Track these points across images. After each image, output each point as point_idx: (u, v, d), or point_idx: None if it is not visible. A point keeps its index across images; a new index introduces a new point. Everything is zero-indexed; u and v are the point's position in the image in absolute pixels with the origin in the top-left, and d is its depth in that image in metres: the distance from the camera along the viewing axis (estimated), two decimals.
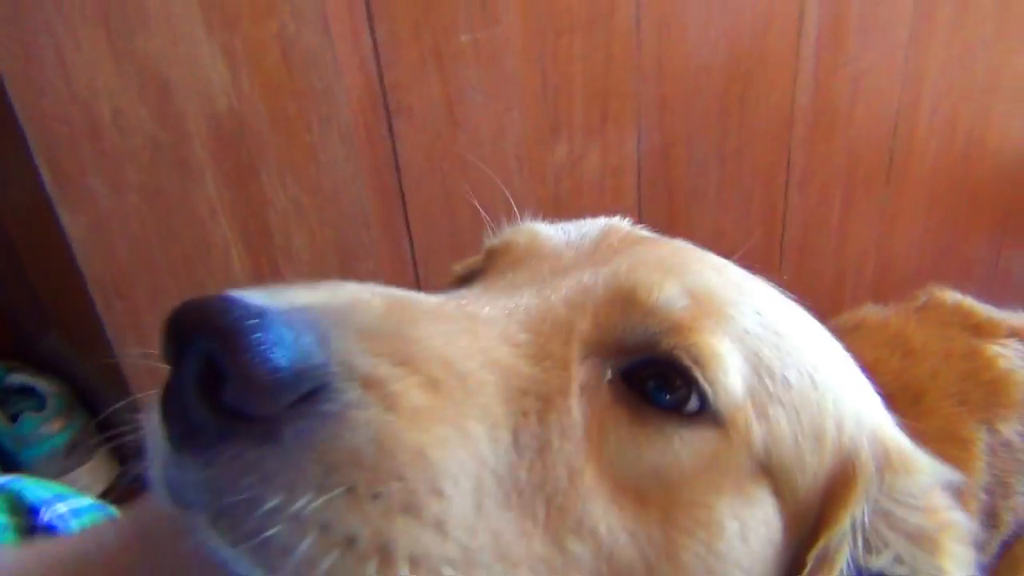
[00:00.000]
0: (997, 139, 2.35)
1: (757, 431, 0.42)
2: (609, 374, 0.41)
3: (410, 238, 0.99)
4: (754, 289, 0.48)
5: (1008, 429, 1.02)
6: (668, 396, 0.40)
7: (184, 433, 0.32)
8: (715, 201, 1.42)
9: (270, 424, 0.31)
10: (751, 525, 0.42)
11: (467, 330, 0.38)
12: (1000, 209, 2.58)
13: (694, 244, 0.59)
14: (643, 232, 0.55)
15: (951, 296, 1.19)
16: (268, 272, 0.83)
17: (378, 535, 0.32)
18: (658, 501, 0.39)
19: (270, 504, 0.31)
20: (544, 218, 1.09)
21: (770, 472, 0.43)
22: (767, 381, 0.44)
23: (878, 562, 0.45)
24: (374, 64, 0.88)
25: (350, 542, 0.31)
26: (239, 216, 0.79)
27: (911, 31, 1.74)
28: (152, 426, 0.34)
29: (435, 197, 0.99)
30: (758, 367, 0.43)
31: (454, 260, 1.04)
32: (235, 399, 0.30)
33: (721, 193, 1.43)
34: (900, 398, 0.97)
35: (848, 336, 0.97)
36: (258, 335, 0.30)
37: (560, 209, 1.15)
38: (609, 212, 1.27)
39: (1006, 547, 1.08)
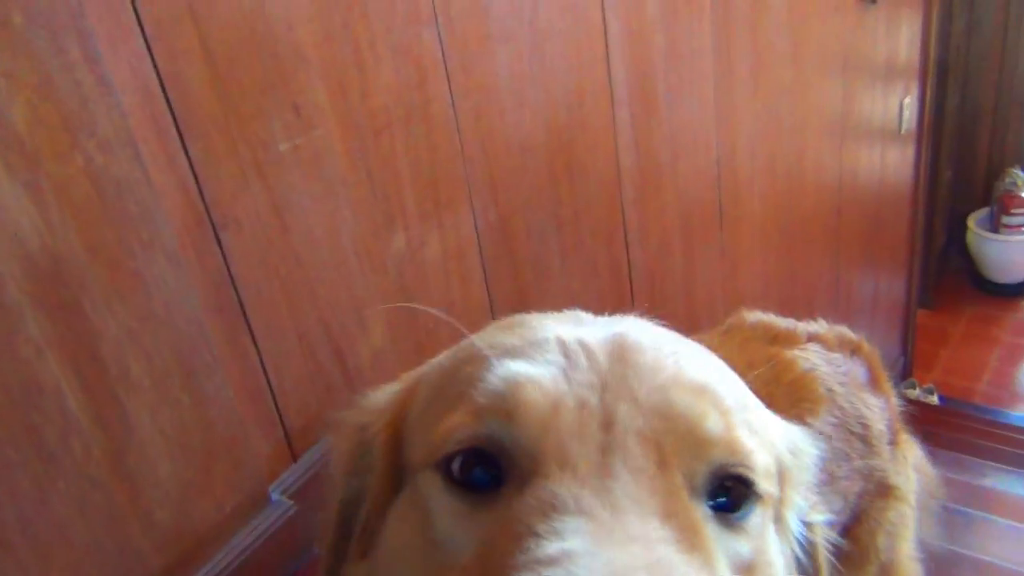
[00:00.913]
0: (813, 172, 2.55)
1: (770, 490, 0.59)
2: (707, 509, 0.54)
3: (257, 349, 0.98)
4: (728, 374, 0.63)
5: (819, 422, 1.12)
6: (731, 503, 0.55)
7: None
8: (560, 267, 1.48)
9: None
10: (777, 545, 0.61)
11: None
12: (830, 234, 2.78)
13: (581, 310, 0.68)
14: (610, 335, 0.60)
15: (752, 315, 1.31)
16: (107, 404, 0.81)
17: None
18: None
19: None
20: (390, 305, 1.10)
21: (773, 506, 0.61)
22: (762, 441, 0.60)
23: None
24: (193, 183, 0.89)
25: None
26: (68, 352, 0.77)
27: (715, 88, 1.89)
28: None
29: (277, 304, 1.00)
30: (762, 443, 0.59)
31: (306, 363, 1.04)
32: None
33: (565, 259, 1.49)
34: None
35: None
36: None
37: (407, 297, 1.18)
38: (458, 294, 1.31)
39: (846, 530, 1.16)
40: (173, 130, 0.86)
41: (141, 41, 0.82)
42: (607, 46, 1.50)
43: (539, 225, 1.42)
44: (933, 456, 2.82)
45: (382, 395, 0.70)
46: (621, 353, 0.57)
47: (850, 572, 1.18)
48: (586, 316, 0.67)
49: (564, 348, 0.56)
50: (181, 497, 0.90)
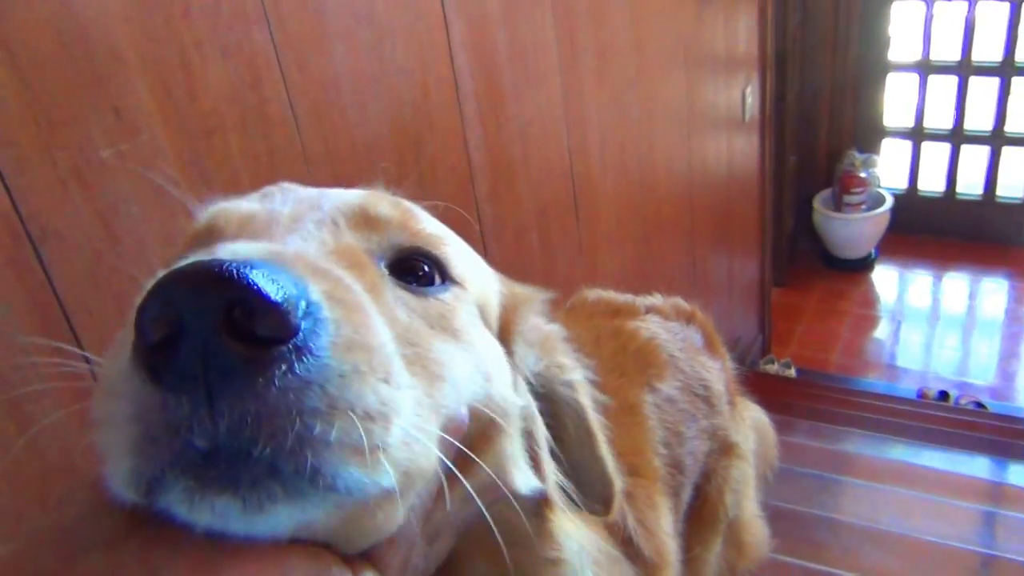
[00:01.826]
0: (664, 161, 2.64)
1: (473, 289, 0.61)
2: (386, 271, 0.55)
3: (90, 367, 0.93)
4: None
5: (666, 386, 1.18)
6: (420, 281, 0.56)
7: (219, 374, 0.37)
8: None
9: (290, 347, 0.39)
10: (487, 336, 0.61)
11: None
12: (683, 221, 2.88)
13: None
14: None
15: (593, 293, 1.36)
16: None
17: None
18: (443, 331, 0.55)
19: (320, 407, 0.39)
20: None
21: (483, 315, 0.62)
22: (467, 260, 0.62)
23: (530, 367, 0.67)
24: (5, 195, 0.83)
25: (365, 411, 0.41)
26: None
27: (563, 82, 1.92)
28: (126, 376, 0.39)
29: (110, 323, 0.95)
30: (459, 250, 0.62)
31: None
32: (266, 328, 0.38)
33: None
34: None
35: None
36: (269, 279, 0.38)
37: None
38: None
39: (698, 489, 1.22)
40: None
41: None
42: (449, 41, 1.51)
43: None
44: (792, 426, 2.99)
45: None
46: (321, 191, 0.61)
47: (704, 531, 1.24)
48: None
49: (268, 192, 0.61)
50: (16, 526, 0.84)
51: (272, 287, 0.38)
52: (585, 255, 2.11)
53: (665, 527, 1.05)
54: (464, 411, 0.52)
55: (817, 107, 4.96)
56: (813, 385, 3.94)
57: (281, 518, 0.40)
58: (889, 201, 4.87)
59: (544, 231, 1.90)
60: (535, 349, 0.69)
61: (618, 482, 0.72)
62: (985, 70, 4.65)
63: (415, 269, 0.57)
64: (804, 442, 2.75)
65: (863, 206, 4.83)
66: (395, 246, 0.57)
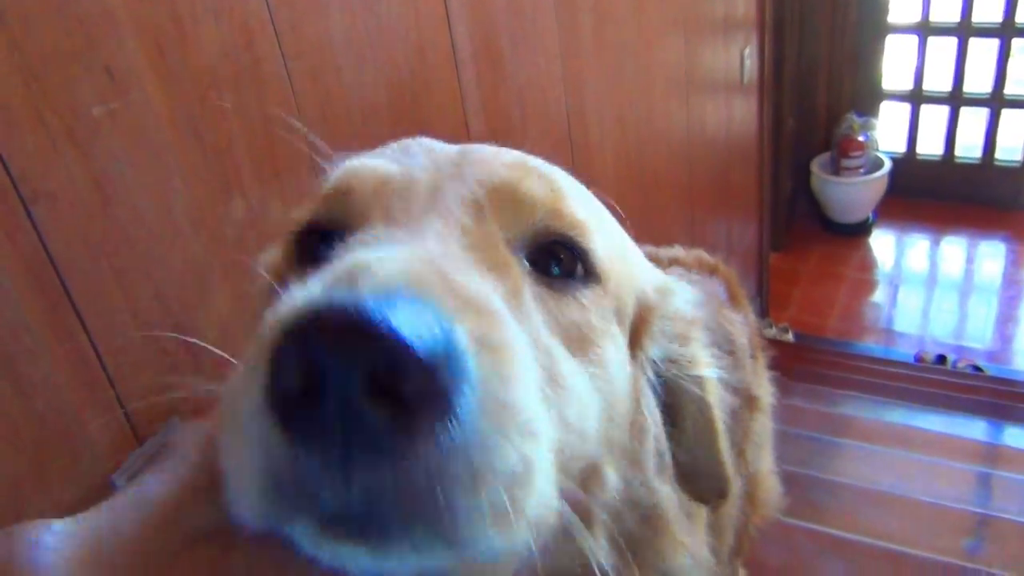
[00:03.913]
0: (663, 125, 2.62)
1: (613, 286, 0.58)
2: (526, 264, 0.53)
3: (87, 332, 0.93)
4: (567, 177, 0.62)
5: None
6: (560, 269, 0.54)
7: (358, 439, 0.34)
8: None
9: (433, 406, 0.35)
10: (618, 346, 0.58)
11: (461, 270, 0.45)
12: (682, 186, 2.86)
13: None
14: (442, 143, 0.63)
15: None
16: None
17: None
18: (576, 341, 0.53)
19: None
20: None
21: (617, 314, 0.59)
22: (612, 248, 0.59)
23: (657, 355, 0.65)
24: None
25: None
26: None
27: (560, 44, 1.90)
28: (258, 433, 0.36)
29: (105, 283, 0.94)
30: (604, 237, 0.59)
31: (144, 343, 0.99)
32: (412, 388, 0.34)
33: None
34: None
35: None
36: (417, 329, 0.35)
37: (251, 265, 1.13)
38: None
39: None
40: None
41: None
42: (446, 4, 1.48)
43: None
44: (790, 390, 2.99)
45: (271, 253, 0.69)
46: (463, 151, 0.59)
47: None
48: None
49: (405, 147, 0.59)
50: (12, 495, 0.84)
51: (420, 340, 0.35)
52: None
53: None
54: (588, 457, 0.51)
55: (816, 70, 4.92)
56: (811, 349, 3.94)
57: (408, 566, 0.38)
58: (887, 165, 4.84)
59: None
60: (670, 342, 0.66)
61: (736, 482, 0.71)
62: (985, 31, 4.60)
63: (557, 256, 0.54)
64: (802, 405, 2.76)
65: (861, 170, 4.81)
66: (539, 231, 0.54)
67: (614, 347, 0.57)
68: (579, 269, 0.55)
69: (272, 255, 0.67)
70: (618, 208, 0.68)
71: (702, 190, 3.06)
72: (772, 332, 4.01)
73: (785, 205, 4.76)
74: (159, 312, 1.01)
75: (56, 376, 0.87)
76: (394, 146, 0.60)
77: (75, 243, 0.90)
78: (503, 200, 0.53)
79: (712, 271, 1.38)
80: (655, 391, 0.64)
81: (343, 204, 0.54)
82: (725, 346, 1.21)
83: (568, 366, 0.50)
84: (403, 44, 1.39)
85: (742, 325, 1.31)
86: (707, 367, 0.67)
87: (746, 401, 1.26)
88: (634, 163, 2.42)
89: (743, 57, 3.34)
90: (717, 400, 0.68)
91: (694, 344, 0.68)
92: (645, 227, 2.58)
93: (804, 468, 2.19)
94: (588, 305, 0.54)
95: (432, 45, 1.47)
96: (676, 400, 0.66)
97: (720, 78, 3.14)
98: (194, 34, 1.01)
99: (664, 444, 0.65)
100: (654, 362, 0.65)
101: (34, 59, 0.85)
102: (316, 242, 0.55)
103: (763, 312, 4.21)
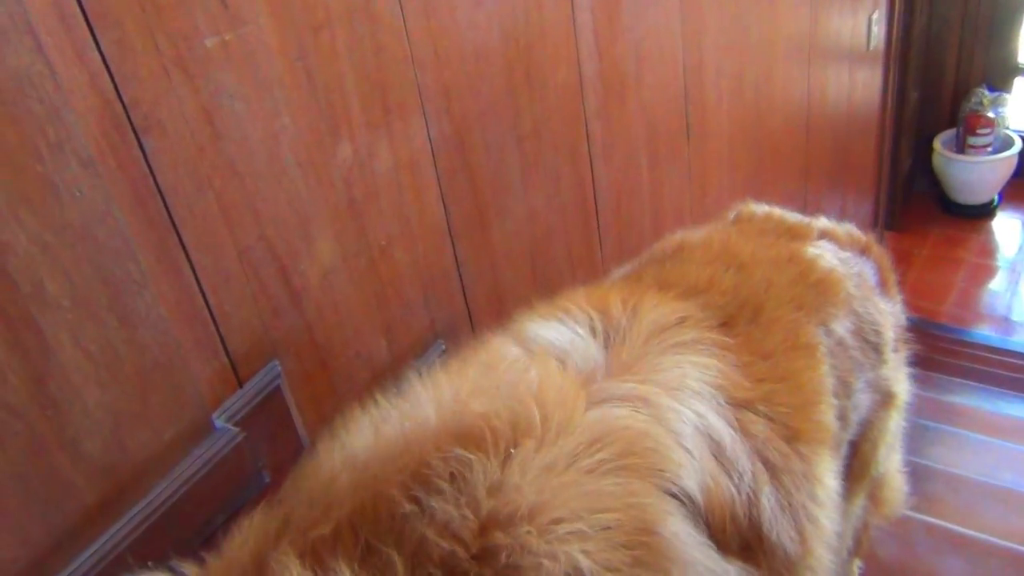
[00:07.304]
0: (782, 91, 2.48)
1: None
2: None
3: (192, 267, 0.91)
4: None
5: (840, 328, 1.05)
6: None
7: None
8: (521, 183, 1.40)
9: None
10: None
11: None
12: (798, 154, 2.72)
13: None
14: None
15: (758, 207, 1.23)
16: (21, 325, 0.73)
17: None
18: None
19: None
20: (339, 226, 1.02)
21: None
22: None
23: None
24: (107, 80, 0.80)
25: None
26: None
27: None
28: None
29: (212, 218, 0.92)
30: None
31: (248, 283, 0.97)
32: None
33: (526, 174, 1.41)
34: (741, 315, 0.97)
35: (672, 260, 0.96)
36: None
37: (357, 213, 1.10)
38: (412, 209, 1.23)
39: (853, 447, 1.11)
40: (80, 18, 0.77)
41: None
42: None
43: (497, 138, 1.34)
44: None
45: None
46: None
47: (852, 484, 1.12)
48: None
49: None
50: (113, 426, 0.83)
51: None
52: (694, 181, 2.00)
53: (828, 508, 0.90)
54: None
55: (945, 41, 4.62)
56: (924, 334, 3.74)
57: None
58: (1018, 144, 4.52)
59: (653, 154, 1.81)
60: None
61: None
62: None
63: None
64: (917, 391, 2.61)
65: (989, 148, 4.51)
66: None
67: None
68: None
69: None
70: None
71: (818, 160, 2.91)
72: None
73: (903, 182, 4.51)
74: (263, 251, 0.98)
75: (160, 309, 0.85)
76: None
77: (184, 177, 0.88)
78: None
79: (864, 250, 1.25)
80: None
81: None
82: (872, 338, 1.10)
83: None
84: None
85: (891, 316, 1.20)
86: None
87: (884, 399, 1.16)
88: (750, 126, 2.30)
89: (870, 22, 3.14)
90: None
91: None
92: (757, 192, 2.46)
93: (920, 457, 2.06)
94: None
95: None
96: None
97: (845, 43, 2.96)
98: None
99: None
100: None
101: None
102: None
103: None
